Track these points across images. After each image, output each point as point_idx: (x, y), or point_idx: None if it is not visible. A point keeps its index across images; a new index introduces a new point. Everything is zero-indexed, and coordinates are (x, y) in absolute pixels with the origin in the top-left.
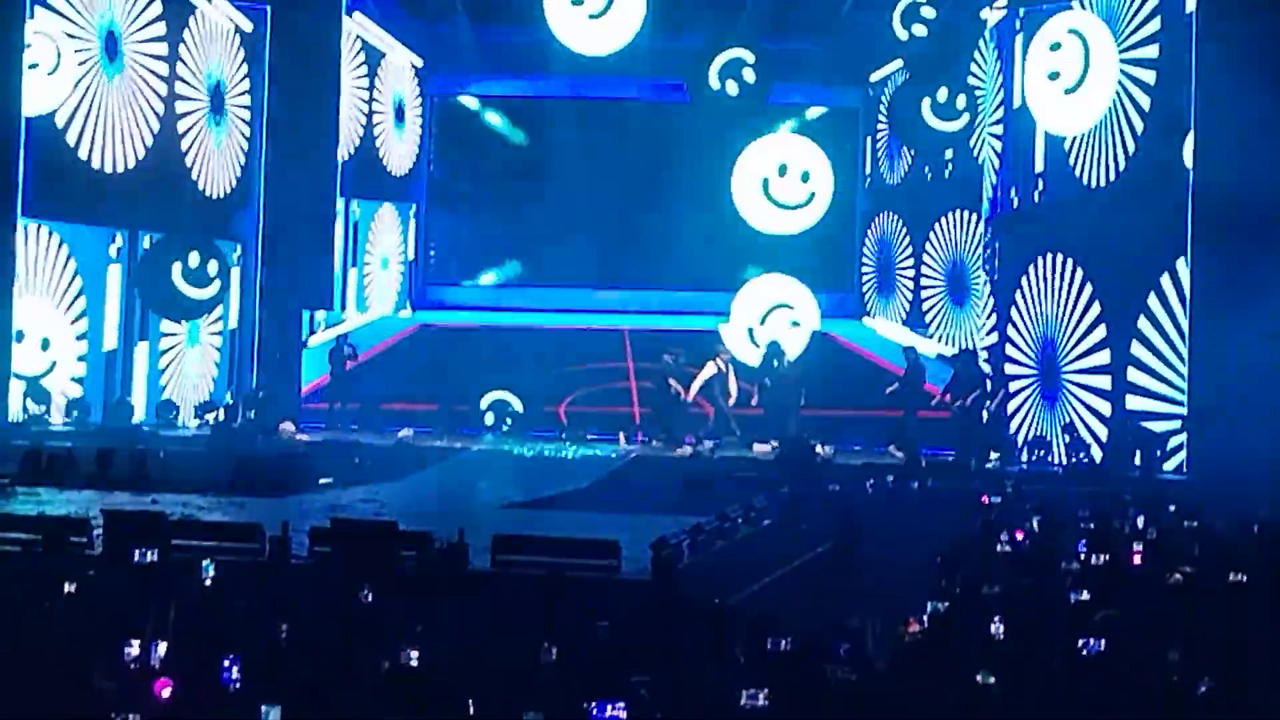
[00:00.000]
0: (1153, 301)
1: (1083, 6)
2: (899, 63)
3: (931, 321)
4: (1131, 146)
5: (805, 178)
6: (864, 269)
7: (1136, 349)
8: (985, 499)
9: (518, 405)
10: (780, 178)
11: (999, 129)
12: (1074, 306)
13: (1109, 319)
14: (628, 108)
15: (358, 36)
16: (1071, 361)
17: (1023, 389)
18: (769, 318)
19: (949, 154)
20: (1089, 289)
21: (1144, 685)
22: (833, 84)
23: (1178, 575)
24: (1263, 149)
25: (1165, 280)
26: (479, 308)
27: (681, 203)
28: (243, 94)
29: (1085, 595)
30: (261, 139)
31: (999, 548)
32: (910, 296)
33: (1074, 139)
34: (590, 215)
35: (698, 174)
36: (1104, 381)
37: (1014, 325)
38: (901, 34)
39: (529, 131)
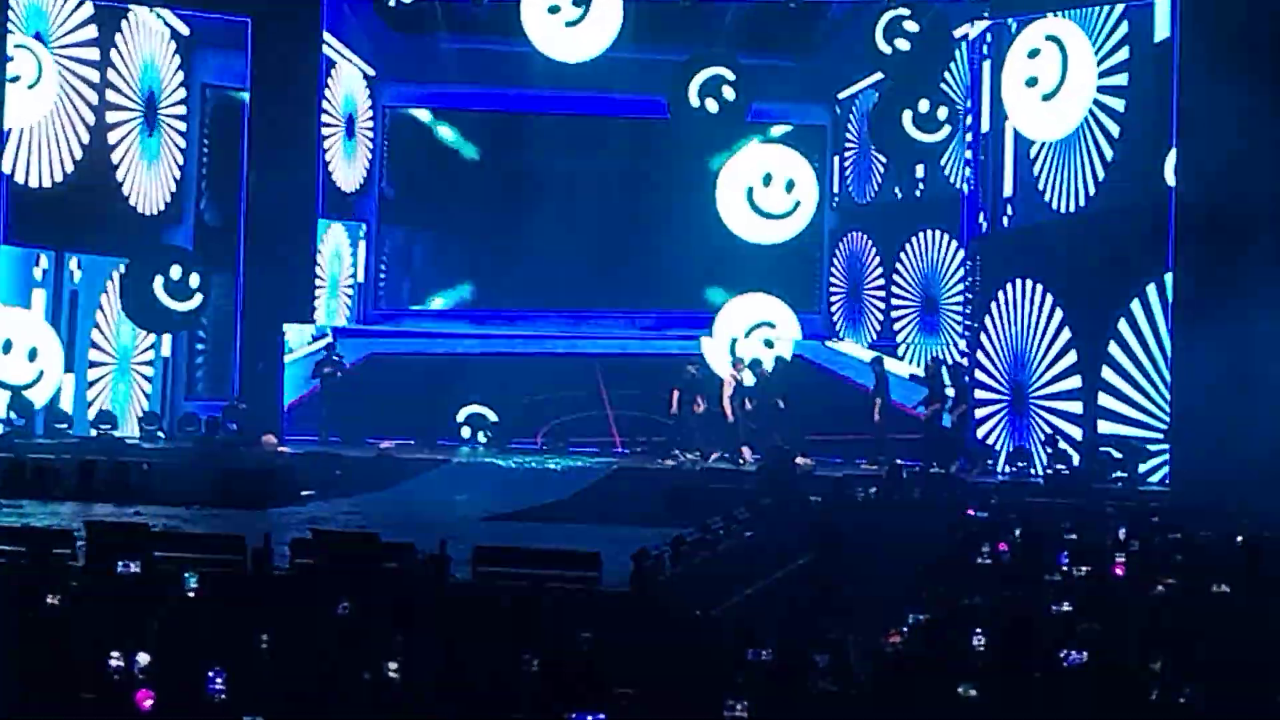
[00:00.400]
0: (1123, 326)
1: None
2: (869, 80)
3: (902, 343)
4: (1101, 173)
5: (790, 187)
6: (833, 290)
7: (1108, 374)
8: (971, 512)
9: (493, 417)
10: (765, 187)
11: (970, 153)
12: (1044, 331)
13: (1079, 344)
14: (595, 122)
15: None
16: (1042, 386)
17: (994, 414)
18: (750, 335)
19: (920, 172)
20: (1059, 314)
21: (1127, 697)
22: (800, 100)
23: (1160, 587)
24: (1244, 161)
25: (1135, 305)
26: (433, 334)
27: (652, 223)
28: (178, 103)
29: (1068, 607)
30: (198, 152)
31: (980, 559)
32: (880, 318)
33: (1043, 164)
34: (553, 236)
35: (669, 192)
36: (1075, 406)
37: (984, 350)
38: (884, 48)
39: (489, 147)
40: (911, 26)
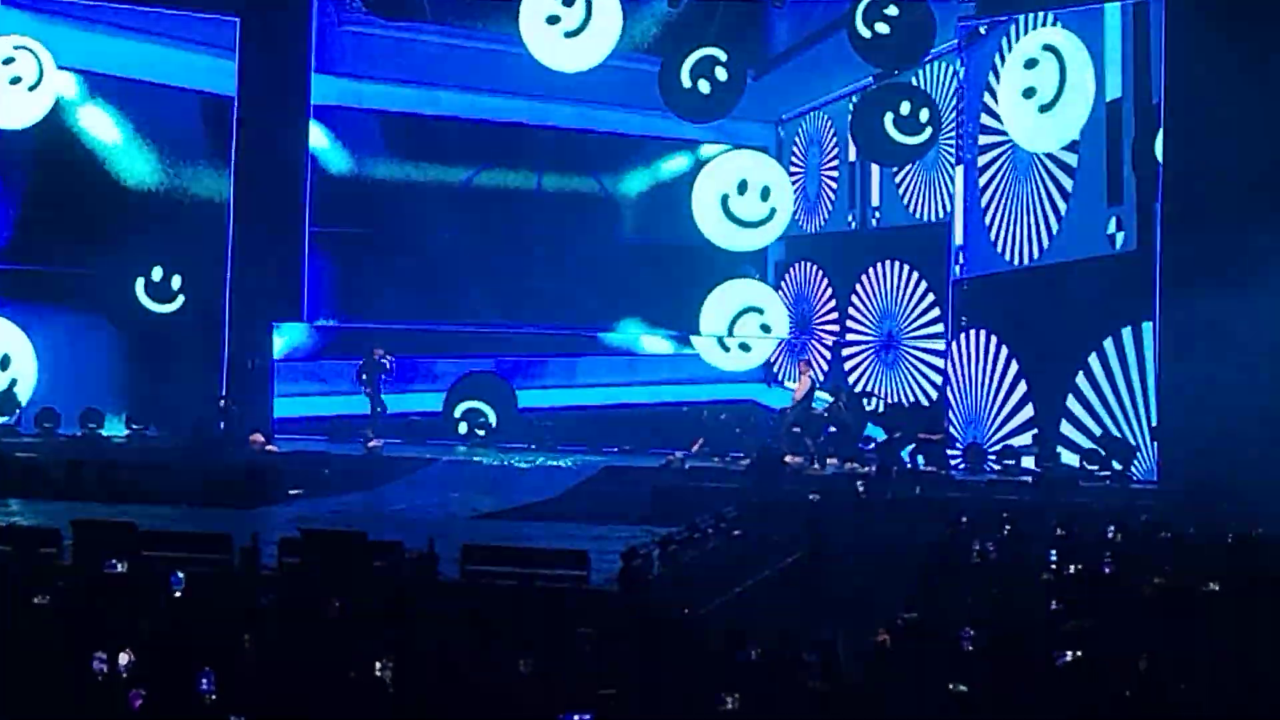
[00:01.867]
0: (1081, 380)
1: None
2: (822, 100)
3: (858, 384)
4: (1055, 225)
5: (765, 194)
6: None
7: (1066, 429)
8: (963, 518)
9: (491, 415)
10: (740, 195)
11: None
12: (999, 384)
13: (1036, 398)
14: (508, 131)
15: None
16: (996, 441)
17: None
18: (738, 323)
19: (876, 199)
20: (1015, 366)
21: (1116, 694)
22: (741, 119)
23: (1148, 586)
24: (1231, 139)
25: (1094, 360)
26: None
27: (565, 242)
28: None
29: (1057, 605)
30: None
31: (969, 558)
32: (829, 356)
33: (994, 216)
34: (444, 257)
35: (588, 210)
36: (1029, 462)
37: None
38: (865, 32)
39: (354, 152)
40: (893, 10)
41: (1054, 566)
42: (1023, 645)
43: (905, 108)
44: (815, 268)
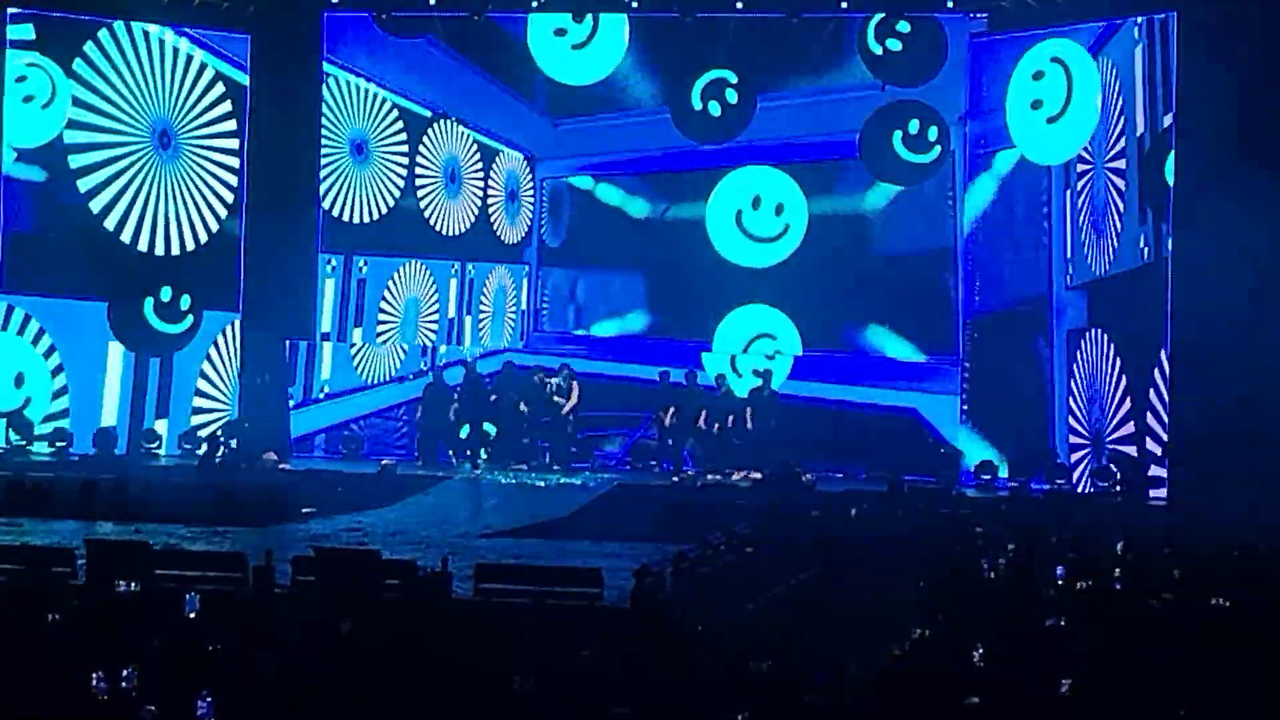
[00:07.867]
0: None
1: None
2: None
3: None
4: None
5: (779, 210)
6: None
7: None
8: (978, 529)
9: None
10: (754, 210)
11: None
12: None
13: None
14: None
15: (474, 139)
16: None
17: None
18: (750, 347)
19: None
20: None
21: (1128, 709)
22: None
23: (1155, 602)
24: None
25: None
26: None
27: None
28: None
29: (1065, 621)
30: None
31: (980, 574)
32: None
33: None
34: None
35: None
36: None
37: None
38: (876, 49)
39: (645, 197)
40: (904, 26)
41: (1063, 582)
42: (1033, 662)
43: (914, 126)
44: (1105, 337)
